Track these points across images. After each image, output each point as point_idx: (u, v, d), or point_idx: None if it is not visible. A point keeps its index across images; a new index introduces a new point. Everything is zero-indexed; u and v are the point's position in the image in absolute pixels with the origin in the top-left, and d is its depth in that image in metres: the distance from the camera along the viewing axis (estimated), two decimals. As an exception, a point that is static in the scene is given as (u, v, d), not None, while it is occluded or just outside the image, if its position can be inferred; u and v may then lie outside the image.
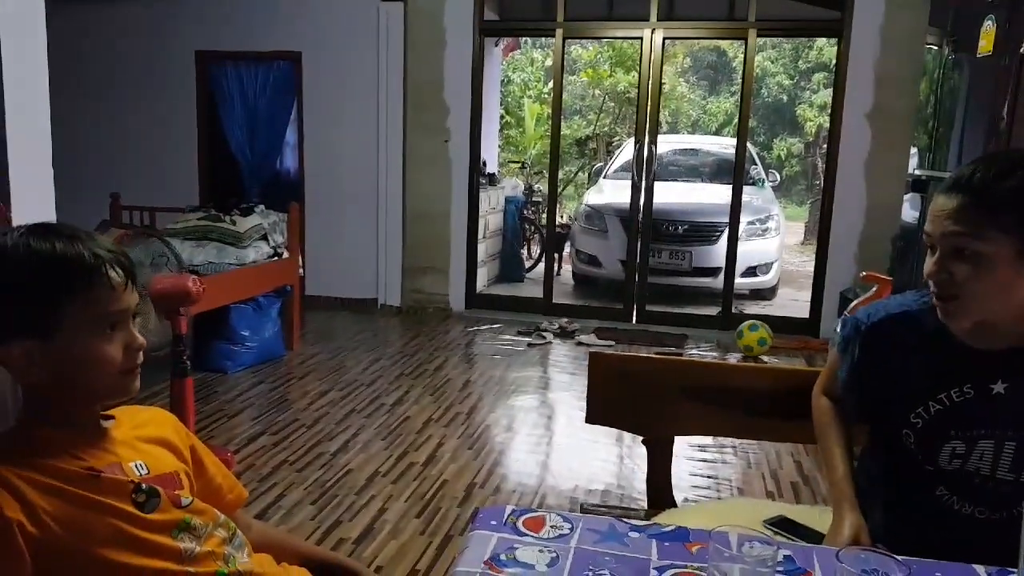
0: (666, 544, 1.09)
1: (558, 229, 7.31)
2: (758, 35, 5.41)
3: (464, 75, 5.57)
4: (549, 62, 10.84)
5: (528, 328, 5.42)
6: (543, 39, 12.56)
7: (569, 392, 4.18)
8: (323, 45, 5.69)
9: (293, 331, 4.69)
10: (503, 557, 1.04)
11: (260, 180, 6.12)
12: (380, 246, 5.81)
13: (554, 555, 1.05)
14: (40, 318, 0.96)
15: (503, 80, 10.86)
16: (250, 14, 5.76)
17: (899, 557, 0.91)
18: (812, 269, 5.64)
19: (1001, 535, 1.07)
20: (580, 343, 5.14)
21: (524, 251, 7.88)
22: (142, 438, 1.10)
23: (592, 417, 1.94)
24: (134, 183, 5.54)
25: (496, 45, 7.60)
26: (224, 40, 5.83)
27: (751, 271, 6.38)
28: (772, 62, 14.96)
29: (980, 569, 1.06)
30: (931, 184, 2.78)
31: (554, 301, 5.97)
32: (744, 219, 5.95)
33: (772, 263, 6.63)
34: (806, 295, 5.74)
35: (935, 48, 2.96)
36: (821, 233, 5.44)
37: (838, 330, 1.46)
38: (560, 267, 7.78)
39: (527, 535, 1.10)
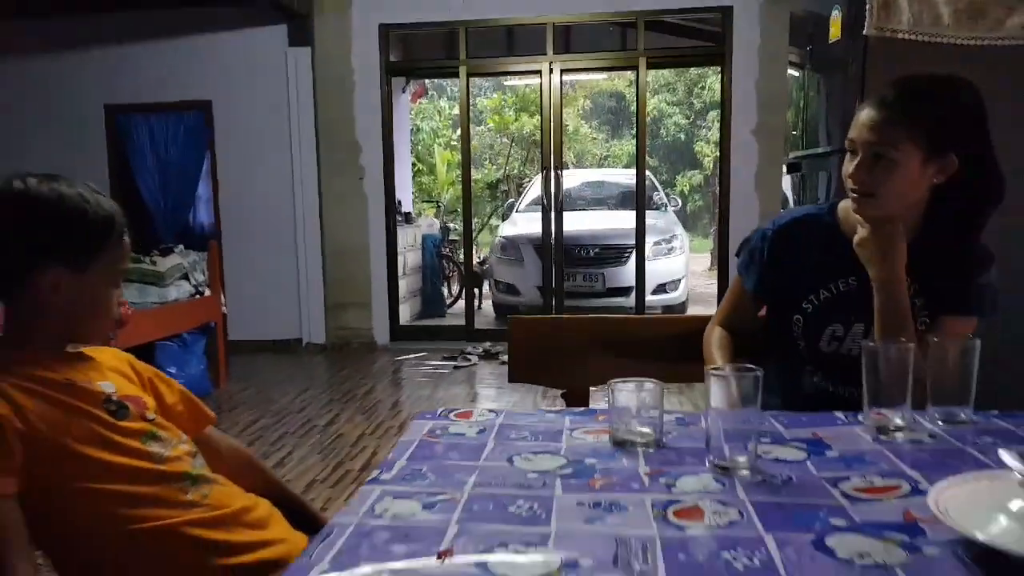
0: (577, 417, 1.25)
1: (475, 267, 7.51)
2: (648, 65, 5.82)
3: (374, 113, 5.76)
4: (456, 111, 11.19)
5: (453, 353, 5.54)
6: (450, 90, 13.00)
7: (496, 403, 4.31)
8: (233, 92, 5.80)
9: (220, 368, 4.68)
10: (438, 431, 1.18)
11: (174, 229, 6.09)
12: (301, 285, 5.87)
13: (482, 428, 1.19)
14: (80, 255, 1.11)
15: (413, 129, 11.14)
16: (159, 66, 5.83)
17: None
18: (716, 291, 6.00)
19: None
20: (504, 363, 5.29)
21: (444, 288, 8.02)
22: (107, 367, 1.21)
23: (515, 376, 2.08)
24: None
25: (404, 91, 7.86)
26: (133, 92, 5.86)
27: (661, 288, 6.71)
28: (668, 104, 15.84)
29: (839, 414, 1.26)
30: (804, 163, 3.08)
31: (476, 327, 6.13)
32: (650, 240, 6.30)
33: (680, 280, 6.99)
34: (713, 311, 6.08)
35: (797, 74, 3.30)
36: (721, 244, 5.81)
37: (738, 255, 1.68)
38: (480, 303, 7.94)
39: (458, 421, 1.24)
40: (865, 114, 1.39)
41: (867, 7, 2.15)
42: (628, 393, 1.12)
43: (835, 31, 2.33)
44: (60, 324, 1.13)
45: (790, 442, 1.12)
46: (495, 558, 0.77)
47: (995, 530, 0.72)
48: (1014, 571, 0.70)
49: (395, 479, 1.00)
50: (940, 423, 1.19)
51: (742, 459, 1.00)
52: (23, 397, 1.05)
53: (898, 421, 1.16)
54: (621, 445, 1.10)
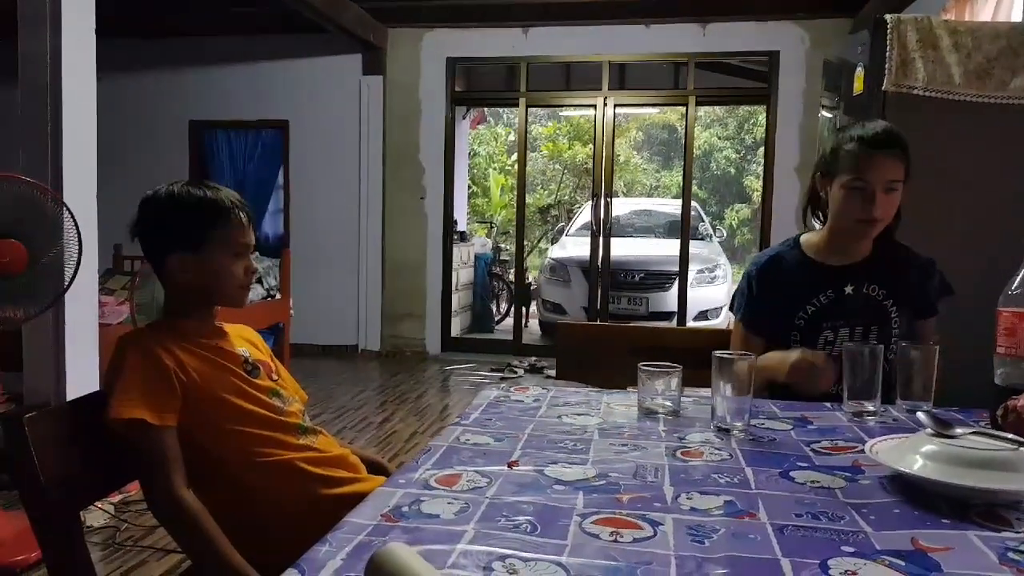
0: (614, 395, 1.56)
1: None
2: (696, 103, 6.13)
3: (438, 138, 6.18)
4: (512, 137, 11.60)
5: (500, 366, 5.87)
6: (506, 116, 13.46)
7: (540, 412, 4.61)
8: (309, 114, 6.28)
9: (285, 365, 5.07)
10: (502, 399, 1.50)
11: (247, 238, 6.57)
12: (361, 295, 6.27)
13: (536, 398, 1.51)
14: (194, 239, 1.43)
15: (470, 153, 11.59)
16: (242, 87, 6.35)
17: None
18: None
19: None
20: (548, 376, 5.59)
21: (493, 306, 8.37)
22: (241, 338, 1.57)
23: (561, 375, 2.40)
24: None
25: (464, 118, 8.29)
26: (216, 110, 6.40)
27: (703, 315, 6.94)
28: (719, 138, 16.06)
29: (827, 404, 1.54)
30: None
31: (523, 343, 6.45)
32: (694, 268, 6.56)
33: (721, 307, 7.20)
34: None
35: (829, 115, 3.58)
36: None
37: (731, 308, 2.00)
38: (527, 321, 8.26)
39: (517, 394, 1.56)
40: (882, 156, 1.68)
41: (886, 66, 2.44)
42: (654, 374, 1.43)
43: (858, 85, 2.61)
44: (198, 295, 1.46)
45: (781, 418, 1.42)
46: (549, 468, 1.08)
47: (908, 463, 1.01)
48: (918, 490, 0.99)
49: (472, 424, 1.32)
50: (906, 412, 1.47)
51: (739, 424, 1.30)
52: (185, 356, 1.39)
53: (870, 408, 1.45)
54: (647, 413, 1.41)
